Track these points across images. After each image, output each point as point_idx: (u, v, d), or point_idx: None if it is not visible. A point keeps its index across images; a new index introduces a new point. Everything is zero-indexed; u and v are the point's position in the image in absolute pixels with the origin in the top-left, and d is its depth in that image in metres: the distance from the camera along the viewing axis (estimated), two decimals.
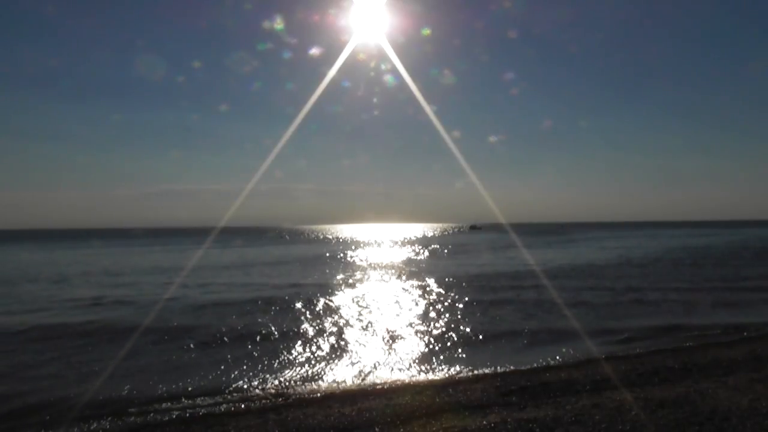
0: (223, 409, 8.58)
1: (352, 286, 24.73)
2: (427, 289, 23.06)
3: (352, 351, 12.43)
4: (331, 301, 19.95)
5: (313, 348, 12.69)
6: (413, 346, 12.79)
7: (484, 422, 6.90)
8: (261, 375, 10.59)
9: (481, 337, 13.62)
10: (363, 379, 10.29)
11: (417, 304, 18.83)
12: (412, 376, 10.44)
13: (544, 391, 8.46)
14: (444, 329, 14.51)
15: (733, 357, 10.33)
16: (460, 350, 12.33)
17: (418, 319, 16.12)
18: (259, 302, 19.66)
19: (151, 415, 8.39)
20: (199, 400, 9.07)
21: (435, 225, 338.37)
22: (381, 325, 15.31)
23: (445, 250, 55.32)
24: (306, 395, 9.29)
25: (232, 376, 10.51)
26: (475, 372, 10.40)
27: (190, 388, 9.75)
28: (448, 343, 12.96)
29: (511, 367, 10.63)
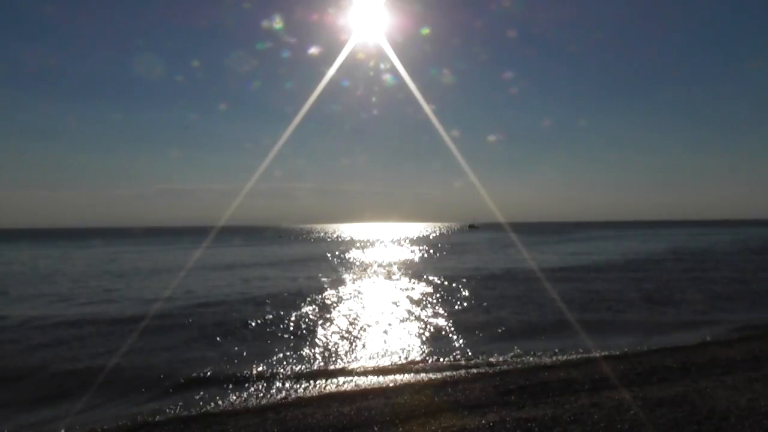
0: (221, 408, 8.57)
1: (351, 285, 24.72)
2: (425, 287, 23.05)
3: (350, 350, 12.43)
4: (329, 300, 19.95)
5: (312, 347, 12.68)
6: (412, 345, 12.79)
7: (483, 421, 6.90)
8: (259, 374, 10.58)
9: (480, 335, 13.62)
10: (362, 378, 10.28)
11: (415, 303, 18.82)
12: (411, 375, 10.44)
13: (542, 390, 8.45)
14: (442, 328, 14.51)
15: (731, 356, 10.33)
16: (459, 349, 12.33)
17: (417, 317, 16.12)
18: (258, 302, 19.65)
19: (150, 413, 8.38)
20: (197, 399, 9.06)
21: (434, 224, 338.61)
22: (379, 324, 15.30)
23: (443, 249, 55.32)
24: (305, 394, 9.28)
25: (231, 375, 10.50)
26: (474, 371, 10.39)
27: (188, 387, 9.74)
28: (447, 343, 12.96)
29: (510, 367, 10.63)
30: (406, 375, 10.44)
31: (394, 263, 37.83)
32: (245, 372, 10.66)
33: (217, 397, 9.16)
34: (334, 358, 11.74)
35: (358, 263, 38.17)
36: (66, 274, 32.56)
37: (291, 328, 14.81)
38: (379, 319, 16.08)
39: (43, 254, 55.76)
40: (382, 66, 76.58)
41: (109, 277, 29.72)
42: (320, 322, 15.69)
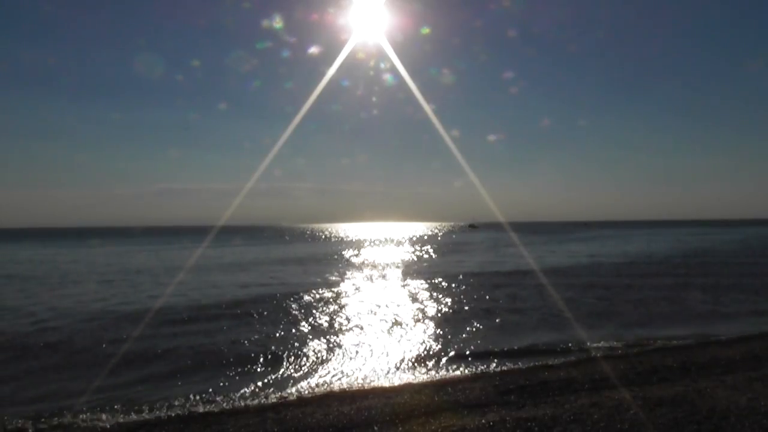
0: (221, 408, 8.56)
1: (351, 285, 24.72)
2: (424, 287, 23.05)
3: (350, 350, 12.42)
4: (329, 300, 19.94)
5: (312, 347, 12.68)
6: (412, 344, 12.78)
7: (483, 421, 6.90)
8: (259, 374, 10.59)
9: (478, 334, 13.62)
10: (361, 378, 10.28)
11: (415, 303, 18.82)
12: (411, 375, 10.44)
13: (542, 390, 8.45)
14: (442, 327, 14.51)
15: (731, 356, 10.33)
16: (458, 349, 12.31)
17: (416, 317, 16.11)
18: (257, 301, 19.66)
19: (150, 413, 8.38)
20: (197, 399, 9.07)
21: (434, 224, 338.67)
22: (379, 324, 15.30)
23: (444, 250, 55.31)
24: (305, 394, 9.28)
25: (231, 374, 10.50)
26: (474, 371, 10.39)
27: (188, 387, 9.74)
28: (447, 342, 12.95)
29: (510, 366, 10.63)
30: (405, 375, 10.44)
31: (394, 263, 37.83)
32: (243, 372, 10.67)
33: (217, 397, 9.17)
34: (333, 358, 11.73)
35: (358, 263, 38.16)
36: (89, 273, 32.72)
37: (289, 328, 14.80)
38: (379, 319, 16.06)
39: (57, 253, 55.96)
40: (382, 66, 76.59)
41: (141, 276, 29.85)
42: (319, 321, 15.68)
